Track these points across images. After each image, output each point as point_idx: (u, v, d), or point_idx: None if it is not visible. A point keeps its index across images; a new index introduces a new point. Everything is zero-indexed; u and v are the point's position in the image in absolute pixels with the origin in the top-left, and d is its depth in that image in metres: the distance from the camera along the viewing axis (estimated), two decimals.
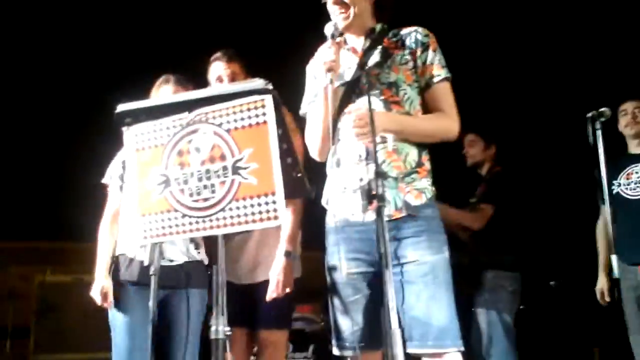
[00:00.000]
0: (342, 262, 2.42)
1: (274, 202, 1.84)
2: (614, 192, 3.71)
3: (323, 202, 2.53)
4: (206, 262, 2.88)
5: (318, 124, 2.46)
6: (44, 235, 6.55)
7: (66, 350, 4.54)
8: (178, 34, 4.86)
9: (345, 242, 2.42)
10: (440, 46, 2.50)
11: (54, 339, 4.55)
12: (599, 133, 3.14)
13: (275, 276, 2.83)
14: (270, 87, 1.87)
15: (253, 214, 1.85)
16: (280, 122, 1.89)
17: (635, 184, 3.65)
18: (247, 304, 2.94)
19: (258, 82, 1.89)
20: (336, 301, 2.47)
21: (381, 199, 2.06)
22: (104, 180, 2.87)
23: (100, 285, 2.72)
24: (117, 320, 2.73)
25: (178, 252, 2.77)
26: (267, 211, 1.84)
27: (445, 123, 2.46)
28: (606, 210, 3.36)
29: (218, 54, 3.01)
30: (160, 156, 1.97)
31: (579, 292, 4.88)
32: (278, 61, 4.71)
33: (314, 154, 2.53)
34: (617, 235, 3.40)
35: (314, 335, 4.44)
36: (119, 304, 2.75)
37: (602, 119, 3.16)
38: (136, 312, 2.67)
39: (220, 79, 2.94)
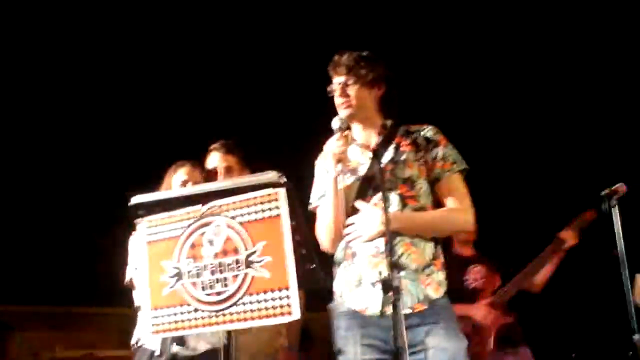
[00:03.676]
0: (357, 347, 2.37)
1: (287, 297, 1.81)
2: None
3: (336, 295, 2.50)
4: None
5: (329, 217, 2.45)
6: (54, 300, 6.45)
7: None
8: (187, 124, 4.94)
9: (360, 328, 2.38)
10: (453, 138, 2.54)
11: None
12: (615, 210, 3.10)
13: None
14: (283, 179, 1.87)
15: (267, 308, 1.83)
16: (294, 214, 1.88)
17: None
18: None
19: (271, 175, 1.89)
20: None
21: (397, 291, 2.03)
22: (127, 278, 2.82)
23: None
24: None
25: (202, 342, 2.70)
26: (281, 306, 1.82)
27: (458, 217, 2.48)
28: None
29: (216, 145, 3.05)
30: (172, 249, 1.96)
31: None
32: (283, 154, 4.77)
33: (326, 247, 2.52)
34: None
35: None
36: None
37: (617, 195, 3.12)
38: None
39: (217, 170, 2.97)
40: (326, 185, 2.51)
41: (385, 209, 2.17)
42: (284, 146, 4.87)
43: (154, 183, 2.91)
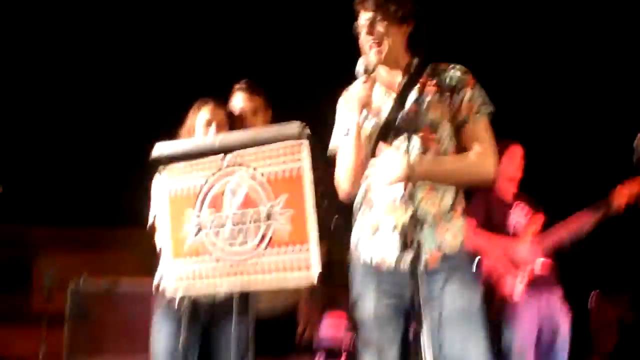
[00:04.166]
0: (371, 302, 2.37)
1: (307, 251, 1.81)
2: None
3: (352, 244, 2.48)
4: None
5: (350, 163, 2.38)
6: (81, 220, 6.57)
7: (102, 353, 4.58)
8: (208, 66, 4.85)
9: (375, 282, 2.37)
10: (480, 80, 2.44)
11: (88, 344, 4.58)
12: None
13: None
14: (306, 131, 1.83)
15: (285, 262, 1.83)
16: (318, 165, 1.86)
17: None
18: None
19: (294, 127, 1.86)
20: (364, 341, 2.43)
21: (419, 244, 2.01)
22: (149, 224, 2.82)
23: None
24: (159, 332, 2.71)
25: None
26: (299, 260, 1.82)
27: (479, 163, 2.38)
28: None
29: (242, 85, 2.97)
30: (194, 199, 1.96)
31: None
32: (305, 95, 4.69)
33: (345, 190, 2.45)
34: None
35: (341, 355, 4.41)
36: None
37: None
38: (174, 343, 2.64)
39: (242, 111, 2.92)
40: (348, 128, 2.45)
41: (408, 153, 2.13)
42: (306, 87, 4.78)
43: (178, 121, 2.87)
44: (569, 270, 3.85)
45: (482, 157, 2.37)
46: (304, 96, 4.62)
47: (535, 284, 3.69)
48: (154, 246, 2.87)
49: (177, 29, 5.06)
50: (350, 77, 2.42)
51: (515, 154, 3.92)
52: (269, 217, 1.86)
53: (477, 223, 3.66)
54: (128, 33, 5.12)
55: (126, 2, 5.05)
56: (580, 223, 3.73)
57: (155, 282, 2.78)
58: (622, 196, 3.66)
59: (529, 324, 3.66)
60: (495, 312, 3.57)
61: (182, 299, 2.42)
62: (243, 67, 3.21)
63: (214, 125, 2.76)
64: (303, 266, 1.81)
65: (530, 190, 3.97)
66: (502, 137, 3.87)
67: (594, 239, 3.82)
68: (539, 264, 3.72)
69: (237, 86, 2.97)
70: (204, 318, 2.64)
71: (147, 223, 2.83)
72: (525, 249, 3.71)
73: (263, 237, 1.87)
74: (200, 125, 2.78)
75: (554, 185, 4.29)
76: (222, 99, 2.92)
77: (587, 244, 3.83)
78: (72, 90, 5.57)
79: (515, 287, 3.66)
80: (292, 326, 2.94)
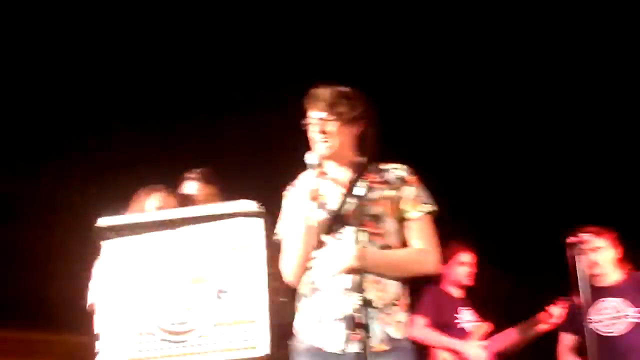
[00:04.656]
0: None
1: (253, 331, 1.77)
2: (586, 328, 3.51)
3: (295, 331, 2.44)
4: None
5: (297, 251, 2.40)
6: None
7: None
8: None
9: None
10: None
11: None
12: (578, 259, 3.14)
13: None
14: (262, 209, 1.83)
15: (231, 342, 1.78)
16: (270, 245, 1.85)
17: (608, 321, 3.59)
18: None
19: (249, 204, 1.86)
20: None
21: (367, 329, 2.00)
22: (88, 304, 2.67)
23: None
24: None
25: None
26: (246, 340, 1.77)
27: (421, 258, 2.44)
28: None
29: (193, 174, 2.96)
30: (140, 273, 1.89)
31: None
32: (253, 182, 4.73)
33: (289, 280, 2.45)
34: None
35: None
36: None
37: (583, 245, 3.17)
38: None
39: (196, 198, 2.87)
40: (295, 219, 2.47)
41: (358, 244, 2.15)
42: (254, 175, 4.82)
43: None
44: None
45: (425, 253, 2.43)
46: (251, 184, 4.64)
47: None
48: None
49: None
50: (296, 165, 2.48)
51: (465, 260, 4.08)
52: (216, 295, 1.82)
53: (429, 321, 3.78)
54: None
55: None
56: (520, 337, 3.96)
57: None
58: (549, 318, 3.92)
59: None
60: None
61: None
62: (191, 158, 3.19)
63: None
64: (249, 345, 1.76)
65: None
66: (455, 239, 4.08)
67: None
68: None
69: (188, 175, 2.94)
70: None
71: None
72: (475, 351, 3.84)
73: (210, 316, 1.81)
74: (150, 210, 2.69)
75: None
76: (171, 187, 2.85)
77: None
78: None
79: None
80: None
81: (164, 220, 1.92)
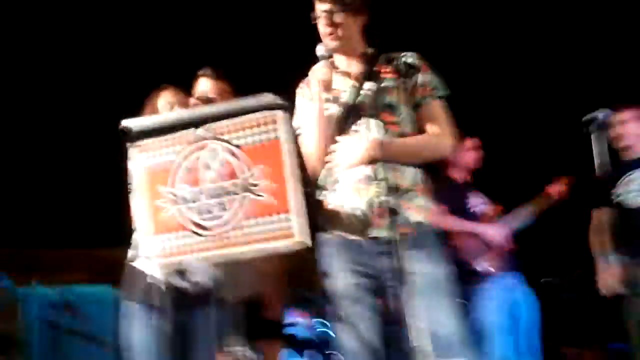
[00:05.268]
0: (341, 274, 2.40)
1: (288, 220, 1.80)
2: (615, 201, 3.68)
3: (319, 222, 2.50)
4: None
5: (316, 144, 2.44)
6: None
7: None
8: (166, 54, 4.76)
9: (344, 253, 2.40)
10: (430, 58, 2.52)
11: None
12: (595, 135, 3.14)
13: None
14: (281, 101, 1.83)
15: (269, 231, 1.82)
16: (293, 136, 1.86)
17: (636, 191, 3.66)
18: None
19: (269, 97, 1.85)
20: (337, 317, 2.44)
21: (394, 220, 2.05)
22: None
23: None
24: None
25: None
26: (281, 229, 1.81)
27: (437, 142, 2.49)
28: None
29: (205, 71, 2.94)
30: (168, 174, 1.92)
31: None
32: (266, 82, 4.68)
33: (311, 168, 2.50)
34: (626, 244, 3.51)
35: (308, 340, 4.39)
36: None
37: (598, 121, 3.16)
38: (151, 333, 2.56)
39: (209, 95, 2.88)
40: (309, 113, 2.49)
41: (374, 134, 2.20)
42: (266, 74, 4.77)
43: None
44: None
45: (440, 137, 2.48)
46: (265, 81, 4.61)
47: (502, 266, 3.93)
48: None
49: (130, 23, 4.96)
50: (310, 63, 2.47)
51: (471, 145, 4.15)
52: (245, 188, 1.84)
53: (444, 208, 3.79)
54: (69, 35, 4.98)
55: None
56: (529, 212, 4.09)
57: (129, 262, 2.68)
58: (557, 193, 4.11)
59: (499, 303, 3.86)
60: (468, 290, 3.72)
61: (156, 288, 2.36)
62: (201, 58, 3.16)
63: (177, 108, 2.68)
64: (286, 234, 1.80)
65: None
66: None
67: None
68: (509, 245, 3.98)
69: (200, 72, 2.94)
70: (178, 306, 2.57)
71: None
72: (494, 232, 3.95)
73: (240, 209, 1.85)
74: (163, 110, 2.70)
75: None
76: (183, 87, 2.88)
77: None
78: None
79: (488, 266, 3.90)
80: (259, 311, 2.92)
81: (188, 119, 1.92)
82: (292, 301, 3.50)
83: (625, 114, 3.73)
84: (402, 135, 2.45)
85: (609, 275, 3.63)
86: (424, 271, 2.33)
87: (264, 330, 2.92)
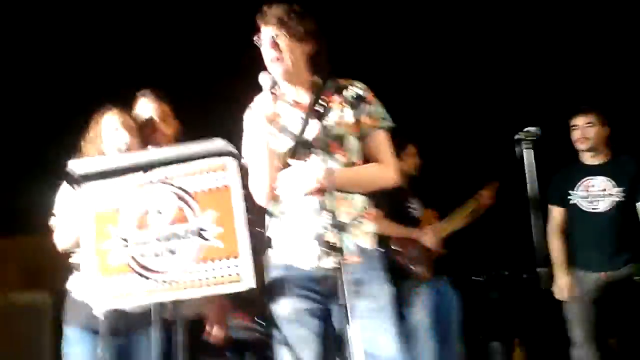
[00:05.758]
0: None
1: (237, 266, 1.85)
2: (571, 202, 3.91)
3: (268, 246, 2.54)
4: None
5: (263, 176, 2.45)
6: None
7: None
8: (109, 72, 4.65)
9: (290, 278, 2.45)
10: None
11: None
12: (528, 153, 3.28)
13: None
14: (232, 149, 1.86)
15: (219, 277, 1.86)
16: (244, 182, 1.90)
17: (594, 197, 3.87)
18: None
19: (219, 143, 1.88)
20: (281, 336, 2.50)
21: (340, 251, 2.11)
22: (51, 222, 2.73)
23: None
24: None
25: None
26: (230, 275, 1.86)
27: (384, 173, 2.55)
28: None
29: (146, 91, 2.91)
30: (117, 216, 1.93)
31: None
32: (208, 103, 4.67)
33: (260, 202, 2.52)
34: (574, 246, 3.82)
35: (251, 343, 4.46)
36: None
37: (530, 139, 3.30)
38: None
39: (151, 117, 2.85)
40: (257, 144, 2.50)
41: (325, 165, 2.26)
42: (209, 95, 4.74)
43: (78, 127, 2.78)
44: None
45: (385, 168, 2.54)
46: (210, 107, 4.60)
47: (434, 270, 4.10)
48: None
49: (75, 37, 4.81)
50: (255, 88, 2.49)
51: (411, 152, 4.30)
52: (196, 233, 1.88)
53: (384, 212, 3.92)
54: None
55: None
56: (461, 220, 4.28)
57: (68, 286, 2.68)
58: (486, 198, 4.30)
59: (431, 307, 4.02)
60: (403, 293, 3.87)
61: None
62: (145, 77, 3.13)
63: (123, 131, 2.67)
64: (234, 279, 1.85)
65: None
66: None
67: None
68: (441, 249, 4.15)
69: (140, 93, 2.91)
70: (119, 329, 2.59)
71: None
72: (428, 237, 4.10)
73: (191, 253, 1.88)
74: (108, 132, 2.68)
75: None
76: (124, 106, 2.85)
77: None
78: None
79: (422, 270, 4.07)
80: (201, 328, 2.95)
81: (137, 164, 1.94)
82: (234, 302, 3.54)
83: (592, 117, 3.88)
84: (351, 165, 2.49)
85: (564, 282, 3.88)
86: (369, 296, 2.41)
87: (208, 352, 2.96)
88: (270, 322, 2.49)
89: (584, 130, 3.89)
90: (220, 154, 1.87)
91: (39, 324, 4.46)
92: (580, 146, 3.92)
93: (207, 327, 2.86)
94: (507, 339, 5.12)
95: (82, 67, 4.70)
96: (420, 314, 4.01)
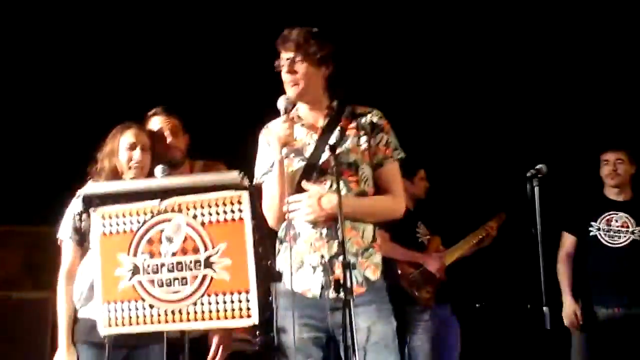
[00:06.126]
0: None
1: (247, 301, 1.84)
2: (591, 234, 3.99)
3: (277, 272, 2.54)
4: None
5: (274, 197, 2.47)
6: None
7: None
8: (124, 94, 4.69)
9: (298, 307, 2.45)
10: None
11: None
12: (537, 190, 3.29)
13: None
14: (246, 182, 1.86)
15: (225, 310, 1.86)
16: (254, 215, 1.89)
17: (615, 232, 3.94)
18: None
19: (234, 176, 1.88)
20: None
21: (346, 281, 2.13)
22: (58, 235, 2.76)
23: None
24: None
25: None
26: (240, 309, 1.85)
27: (392, 205, 2.57)
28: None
29: (156, 109, 2.98)
30: (128, 243, 1.93)
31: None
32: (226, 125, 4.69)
33: (270, 224, 2.54)
34: (588, 278, 3.92)
35: (252, 356, 4.44)
36: None
37: (540, 176, 3.30)
38: None
39: (161, 131, 2.91)
40: (270, 164, 2.51)
41: (338, 192, 2.27)
42: (227, 118, 4.77)
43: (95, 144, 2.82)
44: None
45: (395, 199, 2.57)
46: (224, 129, 4.62)
47: (437, 297, 4.14)
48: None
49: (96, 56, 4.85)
50: (271, 112, 2.49)
51: (421, 175, 4.34)
52: (207, 265, 1.87)
53: (391, 235, 3.97)
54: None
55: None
56: (467, 249, 4.35)
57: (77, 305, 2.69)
58: (491, 229, 4.35)
59: (433, 331, 4.08)
60: (405, 317, 3.90)
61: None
62: (160, 98, 3.16)
63: (138, 149, 2.75)
64: (244, 314, 1.84)
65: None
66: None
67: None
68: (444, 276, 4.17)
69: (151, 112, 2.97)
70: (127, 342, 2.60)
71: None
72: (433, 263, 4.12)
73: (200, 285, 1.88)
74: (124, 149, 2.75)
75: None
76: (142, 123, 2.89)
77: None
78: None
79: (426, 296, 4.11)
80: (205, 348, 2.94)
81: (149, 191, 1.93)
82: None
83: (622, 154, 4.00)
84: (362, 193, 2.51)
85: (573, 309, 3.95)
86: (374, 328, 2.41)
87: None
88: (276, 350, 2.49)
89: (615, 166, 3.98)
90: (236, 187, 1.86)
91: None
92: (610, 181, 4.03)
93: (213, 348, 2.86)
94: None
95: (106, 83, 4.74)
96: (421, 339, 4.04)
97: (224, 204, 1.87)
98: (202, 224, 1.88)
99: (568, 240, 4.08)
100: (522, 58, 5.09)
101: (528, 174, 3.30)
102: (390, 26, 5.00)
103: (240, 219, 1.86)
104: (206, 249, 1.88)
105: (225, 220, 1.87)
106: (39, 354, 4.23)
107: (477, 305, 5.18)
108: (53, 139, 4.82)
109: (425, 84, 5.19)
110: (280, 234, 2.55)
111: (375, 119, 2.57)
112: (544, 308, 3.37)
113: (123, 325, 1.93)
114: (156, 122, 2.93)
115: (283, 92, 2.52)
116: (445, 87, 5.20)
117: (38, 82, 4.85)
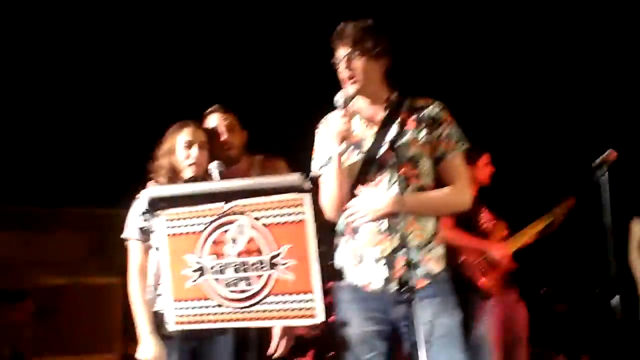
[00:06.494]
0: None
1: (311, 301, 1.88)
2: None
3: (337, 269, 2.56)
4: None
5: (333, 191, 2.46)
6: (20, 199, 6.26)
7: (62, 353, 4.56)
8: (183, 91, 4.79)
9: (361, 301, 2.47)
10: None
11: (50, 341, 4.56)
12: (604, 179, 3.20)
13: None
14: (308, 185, 1.88)
15: (291, 310, 1.90)
16: (316, 216, 1.92)
17: None
18: None
19: (296, 178, 1.90)
20: (349, 358, 2.52)
21: (409, 274, 2.12)
22: (123, 235, 2.84)
23: (153, 349, 2.62)
24: None
25: None
26: (306, 309, 1.88)
27: (458, 198, 2.53)
28: None
29: (212, 108, 3.01)
30: (194, 243, 1.98)
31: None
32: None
33: (329, 216, 2.53)
34: None
35: (313, 340, 4.50)
36: None
37: (607, 164, 3.20)
38: None
39: (218, 129, 2.94)
40: (330, 157, 2.51)
41: (401, 190, 2.27)
42: (284, 112, 4.81)
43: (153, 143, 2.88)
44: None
45: (460, 192, 2.52)
46: (282, 124, 4.67)
47: (502, 284, 4.03)
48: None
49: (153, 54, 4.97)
50: (328, 106, 2.50)
51: (484, 162, 4.21)
52: (271, 265, 1.91)
53: (455, 222, 3.91)
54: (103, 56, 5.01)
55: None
56: (532, 236, 4.17)
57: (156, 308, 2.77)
58: (559, 214, 4.18)
59: (499, 318, 3.99)
60: (470, 305, 3.86)
61: None
62: (218, 96, 3.20)
63: (195, 146, 2.77)
64: (307, 314, 1.87)
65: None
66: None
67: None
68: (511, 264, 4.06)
69: (208, 111, 3.00)
70: (195, 335, 2.67)
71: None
72: (498, 250, 4.01)
73: (265, 285, 1.92)
74: (181, 147, 2.78)
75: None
76: (201, 122, 2.94)
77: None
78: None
79: (490, 284, 4.00)
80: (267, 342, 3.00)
81: (217, 191, 1.98)
82: None
83: None
84: (422, 187, 2.48)
85: None
86: (438, 321, 2.39)
87: None
88: (339, 344, 2.52)
89: None
90: (298, 189, 1.88)
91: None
92: None
93: (276, 340, 2.91)
94: (575, 355, 5.04)
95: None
96: (487, 327, 4.00)
97: (287, 207, 1.90)
98: (265, 225, 1.91)
99: (636, 227, 3.96)
100: (592, 42, 4.93)
101: (594, 164, 3.22)
102: (450, 12, 4.92)
103: (302, 220, 1.88)
104: (270, 250, 1.91)
105: (288, 222, 1.90)
106: (107, 339, 4.40)
107: (542, 290, 5.08)
108: (120, 129, 4.97)
109: (492, 67, 5.08)
110: (339, 227, 2.55)
111: (435, 112, 2.52)
112: (612, 301, 3.31)
113: (190, 323, 1.99)
114: (213, 120, 2.97)
115: (340, 86, 2.51)
116: (513, 70, 5.09)
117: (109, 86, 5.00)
